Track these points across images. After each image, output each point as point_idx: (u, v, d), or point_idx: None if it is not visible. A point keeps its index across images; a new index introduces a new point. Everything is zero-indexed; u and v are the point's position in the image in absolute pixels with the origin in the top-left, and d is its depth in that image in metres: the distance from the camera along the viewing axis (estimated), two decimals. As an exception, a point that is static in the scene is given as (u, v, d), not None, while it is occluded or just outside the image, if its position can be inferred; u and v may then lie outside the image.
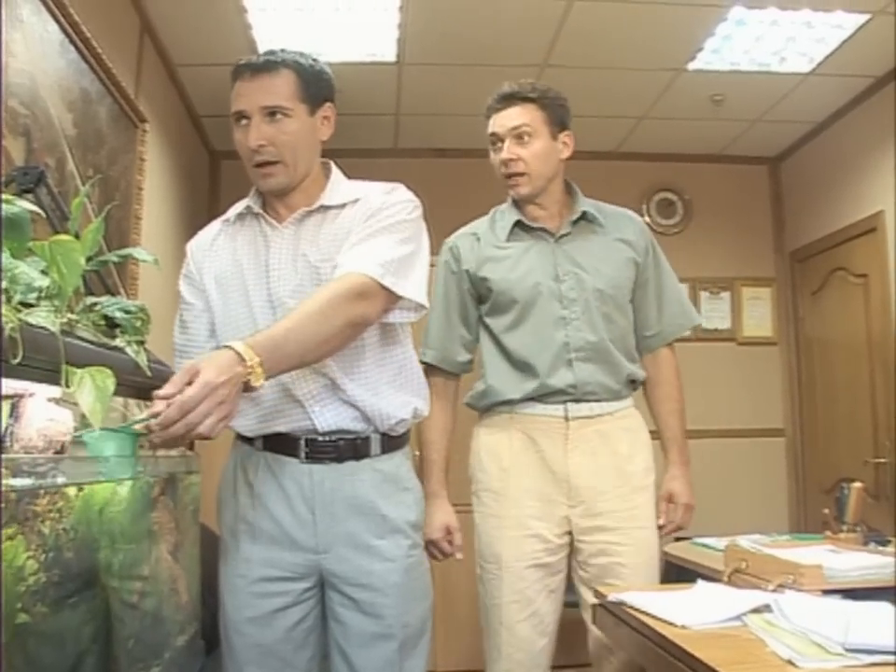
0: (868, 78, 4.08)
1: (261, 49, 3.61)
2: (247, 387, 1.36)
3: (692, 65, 3.97)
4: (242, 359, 1.34)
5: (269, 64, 1.65)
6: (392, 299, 1.62)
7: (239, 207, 1.79)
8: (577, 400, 2.13)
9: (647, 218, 5.09)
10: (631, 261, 2.24)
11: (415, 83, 4.17)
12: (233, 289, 1.72)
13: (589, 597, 2.09)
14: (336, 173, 1.79)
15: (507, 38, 3.69)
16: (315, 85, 1.70)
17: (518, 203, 2.24)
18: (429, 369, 2.21)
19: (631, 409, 2.23)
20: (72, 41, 2.65)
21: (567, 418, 2.13)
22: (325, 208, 1.72)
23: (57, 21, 2.53)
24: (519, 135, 2.15)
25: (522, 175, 2.17)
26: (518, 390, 2.14)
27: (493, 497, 2.16)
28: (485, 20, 3.55)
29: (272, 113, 1.64)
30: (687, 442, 2.31)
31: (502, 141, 2.17)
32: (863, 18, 3.48)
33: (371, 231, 1.65)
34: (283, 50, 1.71)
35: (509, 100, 2.17)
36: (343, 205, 1.72)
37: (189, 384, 1.29)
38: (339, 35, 3.67)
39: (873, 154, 4.17)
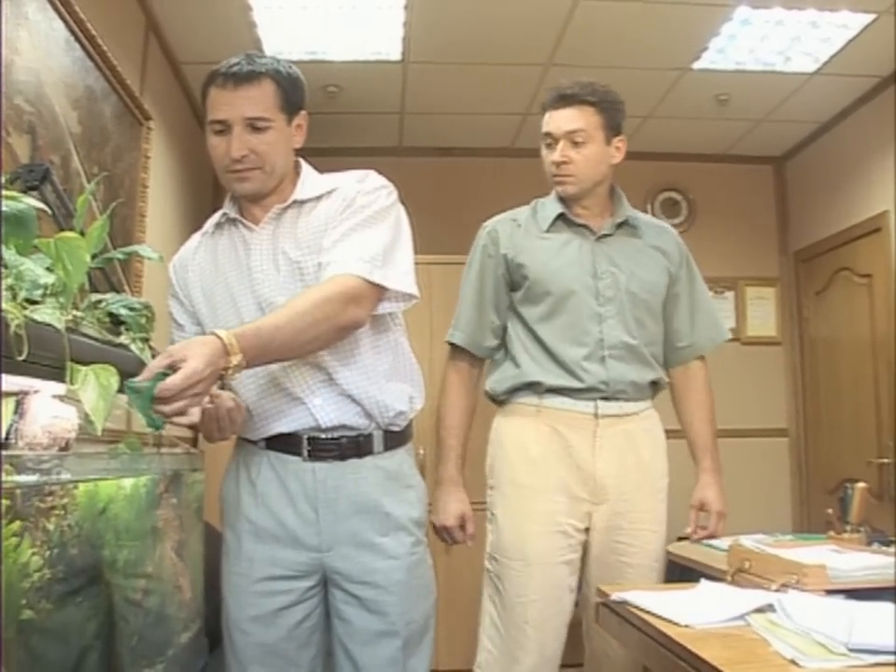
0: (873, 78, 4.08)
1: (266, 47, 3.63)
2: (220, 377, 1.39)
3: (697, 65, 3.97)
4: (226, 352, 1.37)
5: (252, 75, 1.64)
6: (382, 293, 1.64)
7: (216, 217, 1.80)
8: (607, 398, 2.12)
9: (651, 218, 5.09)
10: (665, 270, 2.25)
11: (420, 82, 4.17)
12: (220, 298, 1.73)
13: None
14: (306, 168, 1.80)
15: (512, 37, 3.68)
16: (293, 94, 1.70)
17: (562, 199, 2.23)
18: (456, 351, 2.23)
19: (652, 409, 2.24)
20: (77, 39, 2.66)
21: (596, 415, 2.11)
22: (299, 203, 1.72)
23: (62, 18, 2.53)
24: (573, 138, 2.14)
25: (571, 175, 2.16)
26: (550, 376, 2.12)
27: (519, 490, 2.12)
28: (490, 18, 3.55)
29: (253, 123, 1.64)
30: (718, 450, 2.31)
31: (556, 141, 2.16)
32: (869, 18, 3.47)
33: (351, 224, 1.65)
34: (259, 56, 1.70)
35: (567, 100, 2.16)
36: (318, 198, 1.72)
37: (171, 367, 1.31)
38: (343, 34, 3.68)
39: (878, 154, 4.16)
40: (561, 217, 2.21)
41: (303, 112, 1.74)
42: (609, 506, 2.10)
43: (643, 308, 2.20)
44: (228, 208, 1.77)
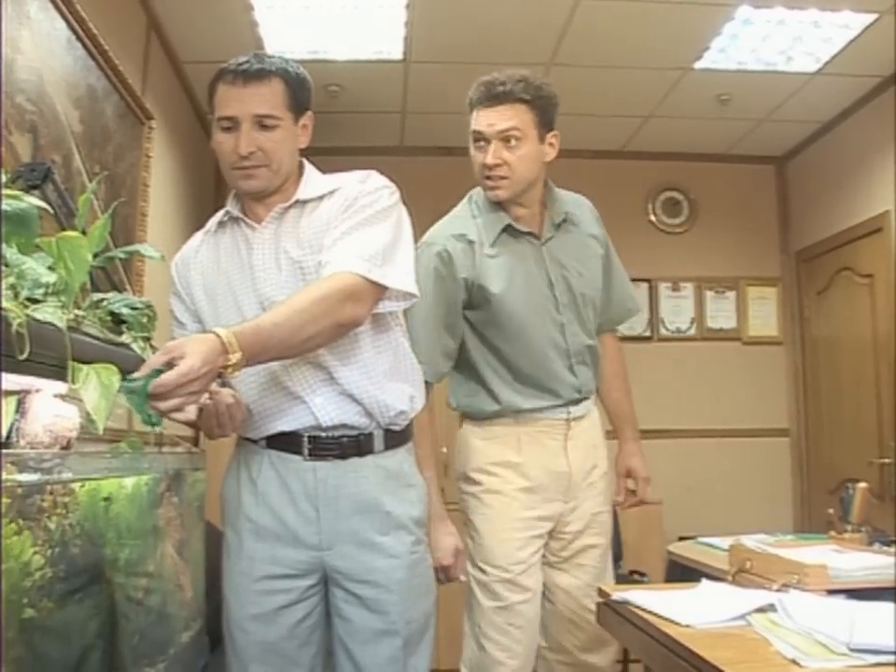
0: (875, 78, 4.08)
1: (268, 46, 3.63)
2: (219, 375, 1.39)
3: (698, 64, 3.97)
4: (225, 350, 1.36)
5: (262, 73, 1.65)
6: (381, 291, 1.64)
7: (219, 216, 1.81)
8: (576, 402, 2.18)
9: (653, 217, 5.10)
10: (600, 259, 2.26)
11: (422, 81, 4.18)
12: (222, 297, 1.73)
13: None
14: (309, 168, 1.80)
15: (513, 37, 3.68)
16: (300, 94, 1.72)
17: (500, 202, 2.15)
18: None
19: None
20: (79, 38, 2.66)
21: (568, 420, 2.16)
22: (301, 203, 1.72)
23: (64, 17, 2.53)
24: (506, 138, 2.05)
25: (504, 178, 2.08)
26: (530, 400, 2.13)
27: (497, 497, 2.13)
28: (492, 18, 3.55)
29: (261, 121, 1.65)
30: (636, 418, 2.38)
31: (487, 141, 2.06)
32: (870, 17, 3.47)
33: (351, 223, 1.65)
34: (268, 55, 1.72)
35: (500, 98, 2.04)
36: (320, 198, 1.72)
37: (169, 363, 1.31)
38: (345, 33, 3.68)
39: (879, 154, 4.16)
40: (505, 227, 2.14)
41: (309, 112, 1.75)
42: (578, 500, 2.16)
43: (591, 305, 2.21)
44: (231, 206, 1.77)
